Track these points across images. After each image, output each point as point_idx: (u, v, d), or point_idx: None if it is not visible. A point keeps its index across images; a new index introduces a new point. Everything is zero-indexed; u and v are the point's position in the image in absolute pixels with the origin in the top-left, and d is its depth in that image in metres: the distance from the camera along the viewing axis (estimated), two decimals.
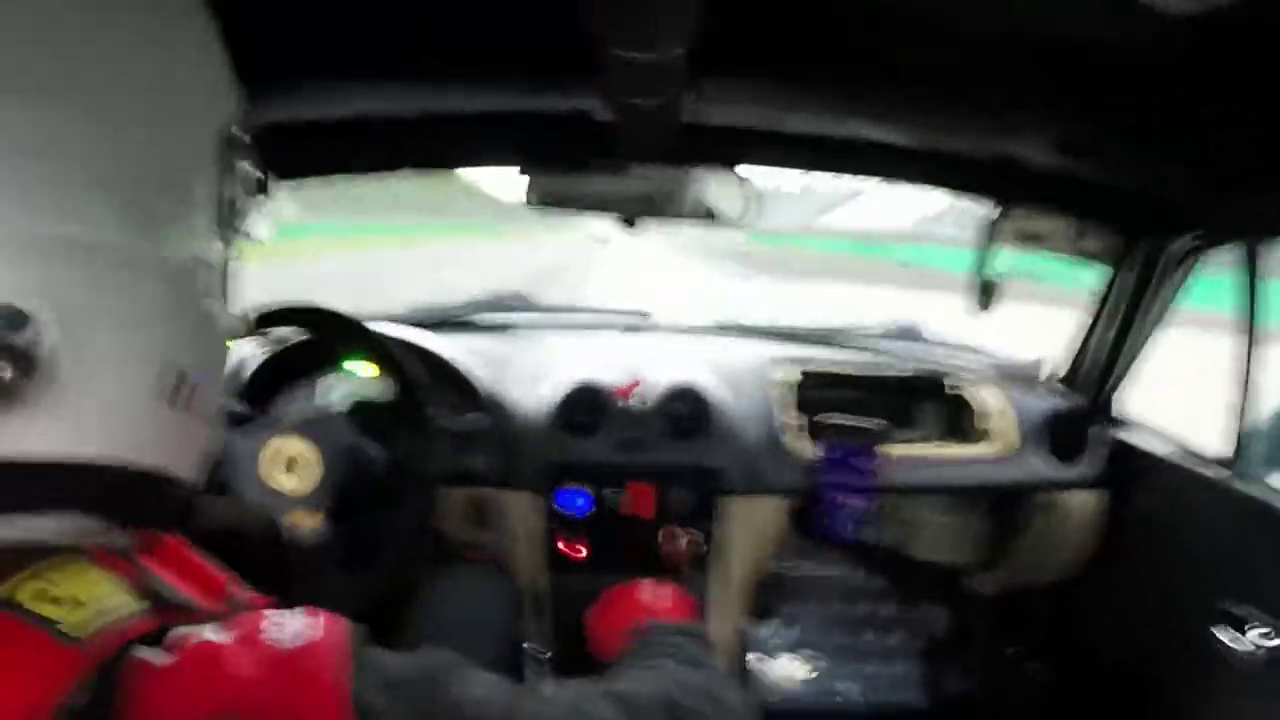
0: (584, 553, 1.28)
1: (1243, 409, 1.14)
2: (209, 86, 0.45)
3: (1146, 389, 1.41)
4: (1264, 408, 1.16)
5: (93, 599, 0.37)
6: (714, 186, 1.24)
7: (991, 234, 1.31)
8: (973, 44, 0.78)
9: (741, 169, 1.25)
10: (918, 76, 0.89)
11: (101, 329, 0.38)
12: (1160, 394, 1.67)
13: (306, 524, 0.93)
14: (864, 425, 1.32)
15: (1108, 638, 1.43)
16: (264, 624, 0.41)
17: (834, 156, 1.24)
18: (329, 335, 1.13)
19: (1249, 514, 1.10)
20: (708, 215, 1.25)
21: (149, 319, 0.40)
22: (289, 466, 0.95)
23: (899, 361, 1.53)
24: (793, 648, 1.76)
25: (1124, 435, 1.40)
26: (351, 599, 0.47)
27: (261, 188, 0.51)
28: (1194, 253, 1.24)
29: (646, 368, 1.35)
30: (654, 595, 0.90)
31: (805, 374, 1.43)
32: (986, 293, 1.32)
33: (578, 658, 1.27)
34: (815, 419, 1.34)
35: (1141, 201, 1.20)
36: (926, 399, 1.49)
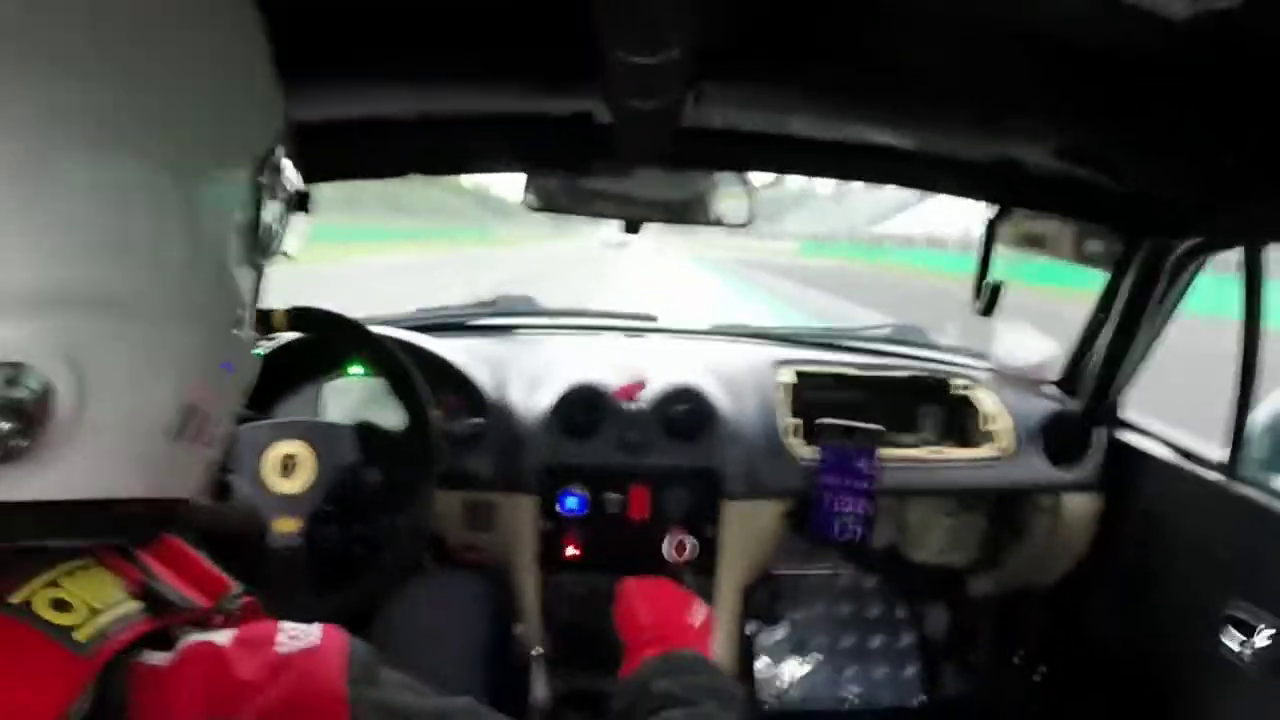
0: (582, 555, 1.28)
1: (1242, 411, 1.14)
2: (263, 107, 0.44)
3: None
4: (1262, 410, 1.16)
5: (105, 605, 0.37)
6: (717, 189, 1.24)
7: (992, 237, 1.31)
8: (974, 47, 0.78)
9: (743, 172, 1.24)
10: (918, 80, 0.89)
11: (119, 381, 0.37)
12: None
13: (285, 529, 0.93)
14: (864, 427, 1.31)
15: (1107, 639, 1.43)
16: (268, 628, 0.42)
17: (835, 160, 1.23)
18: (333, 339, 1.12)
19: (1248, 515, 1.11)
20: (710, 219, 1.25)
21: (170, 368, 0.39)
22: (286, 469, 0.95)
23: (899, 364, 1.53)
24: (792, 649, 1.76)
25: (1123, 437, 1.40)
26: (314, 614, 0.46)
27: (303, 204, 0.48)
28: (1195, 256, 1.24)
29: (646, 370, 1.35)
30: (679, 606, 0.95)
31: (805, 376, 1.43)
32: (991, 297, 1.31)
33: (576, 658, 1.28)
34: (815, 421, 1.34)
35: (1143, 204, 1.19)
36: (926, 401, 1.49)
